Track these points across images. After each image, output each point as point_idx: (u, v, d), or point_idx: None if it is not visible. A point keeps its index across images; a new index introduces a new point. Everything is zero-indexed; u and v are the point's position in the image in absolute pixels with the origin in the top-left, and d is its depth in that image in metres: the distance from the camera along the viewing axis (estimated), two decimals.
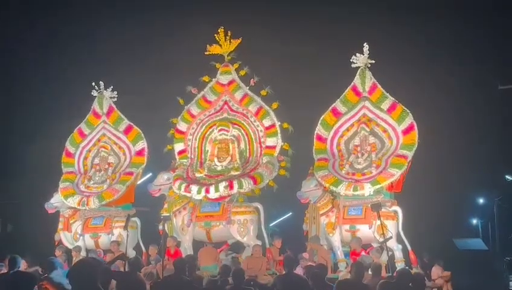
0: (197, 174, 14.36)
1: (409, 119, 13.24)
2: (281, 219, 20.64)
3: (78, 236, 14.92)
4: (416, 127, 13.18)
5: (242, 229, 13.63)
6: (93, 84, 15.68)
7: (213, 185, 13.77)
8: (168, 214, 13.57)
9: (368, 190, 12.87)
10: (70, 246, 14.90)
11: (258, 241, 13.52)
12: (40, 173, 17.06)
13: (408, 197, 13.55)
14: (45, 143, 16.84)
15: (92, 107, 15.81)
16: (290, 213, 19.94)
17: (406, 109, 13.34)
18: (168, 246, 13.36)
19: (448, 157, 16.09)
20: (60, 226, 15.23)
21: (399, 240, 12.83)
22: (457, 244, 16.03)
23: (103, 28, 17.51)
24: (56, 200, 15.16)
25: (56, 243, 14.93)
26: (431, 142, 13.98)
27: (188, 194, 13.89)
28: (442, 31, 16.32)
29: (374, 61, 13.62)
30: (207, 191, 13.71)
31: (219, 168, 14.42)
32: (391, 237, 11.74)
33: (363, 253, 12.50)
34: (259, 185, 13.82)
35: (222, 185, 13.67)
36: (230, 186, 13.63)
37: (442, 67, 16.34)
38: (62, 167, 15.71)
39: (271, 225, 17.07)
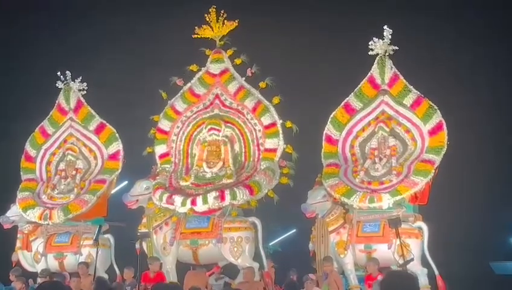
0: (182, 183, 14.25)
1: (437, 117, 13.16)
2: (283, 236, 20.59)
3: (39, 256, 14.84)
4: (445, 127, 13.08)
5: (235, 249, 13.47)
6: (59, 74, 15.60)
7: (201, 196, 13.60)
8: (146, 230, 13.44)
9: (386, 201, 12.76)
10: (29, 268, 14.92)
11: (254, 263, 13.40)
12: None
13: (435, 211, 13.47)
14: (0, 145, 16.70)
15: (57, 101, 15.77)
16: (294, 230, 19.87)
17: (433, 104, 13.25)
18: (155, 271, 13.25)
19: (484, 164, 15.96)
20: (18, 244, 15.19)
21: (424, 263, 12.73)
22: (494, 269, 15.97)
23: (69, 7, 17.45)
24: (13, 213, 15.09)
25: (13, 265, 14.86)
26: (464, 145, 13.88)
27: (171, 207, 13.73)
28: (479, 14, 16.14)
29: (396, 48, 13.51)
30: (193, 202, 13.54)
31: (208, 175, 14.31)
32: (413, 259, 11.65)
33: (380, 277, 12.31)
34: (256, 196, 13.68)
35: (211, 196, 13.49)
36: (222, 197, 13.47)
37: (480, 56, 16.17)
38: (21, 173, 15.66)
39: (271, 243, 17.01)
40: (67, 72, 15.57)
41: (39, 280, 13.85)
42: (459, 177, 15.02)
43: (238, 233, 13.54)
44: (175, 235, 13.79)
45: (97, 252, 11.98)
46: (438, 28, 16.17)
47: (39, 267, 14.59)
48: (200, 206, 13.51)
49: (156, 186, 14.10)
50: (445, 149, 12.97)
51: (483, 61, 16.09)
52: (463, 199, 15.62)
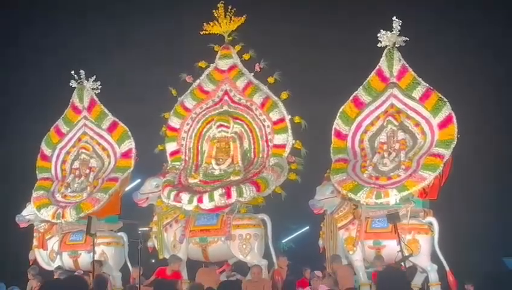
0: (191, 180, 14.47)
1: (447, 110, 13.10)
2: (296, 233, 20.61)
3: (54, 255, 15.22)
4: (455, 119, 13.03)
5: (244, 246, 13.66)
6: (72, 73, 15.93)
7: (207, 193, 13.79)
8: (146, 228, 13.68)
9: (393, 197, 12.71)
10: (46, 267, 15.35)
11: (263, 260, 13.61)
12: (11, 180, 17.51)
13: (447, 205, 13.51)
14: (16, 144, 17.19)
15: (71, 100, 16.10)
16: (307, 227, 19.82)
17: (442, 97, 13.20)
18: (174, 269, 13.46)
19: (496, 157, 15.84)
20: (35, 242, 15.58)
21: (434, 259, 12.74)
22: (507, 264, 15.87)
23: (82, 7, 17.77)
24: (29, 212, 15.51)
25: (31, 263, 15.33)
26: (476, 138, 13.82)
27: (178, 204, 13.99)
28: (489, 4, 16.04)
29: (407, 39, 13.51)
30: (200, 200, 13.73)
31: (217, 172, 14.52)
32: (411, 255, 11.71)
33: None
34: (263, 193, 13.84)
35: (217, 193, 13.68)
36: (228, 195, 13.62)
37: (491, 47, 16.06)
38: (37, 172, 16.06)
39: (284, 240, 17.11)
40: (81, 71, 15.85)
41: (56, 275, 14.07)
42: (471, 171, 14.93)
43: (247, 230, 13.71)
44: (184, 232, 14.03)
45: (93, 246, 12.21)
46: (446, 19, 16.10)
47: (54, 266, 14.98)
48: (207, 204, 13.69)
49: (165, 184, 14.36)
50: (455, 142, 12.88)
51: (493, 51, 15.99)
52: (475, 193, 15.52)
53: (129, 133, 15.66)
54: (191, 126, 15.25)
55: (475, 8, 15.68)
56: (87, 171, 15.75)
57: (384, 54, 13.67)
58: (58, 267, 14.77)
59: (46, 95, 17.45)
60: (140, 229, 13.04)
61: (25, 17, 18.17)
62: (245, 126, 14.83)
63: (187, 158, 15.13)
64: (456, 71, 15.45)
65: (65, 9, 18.09)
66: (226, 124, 14.75)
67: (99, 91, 16.03)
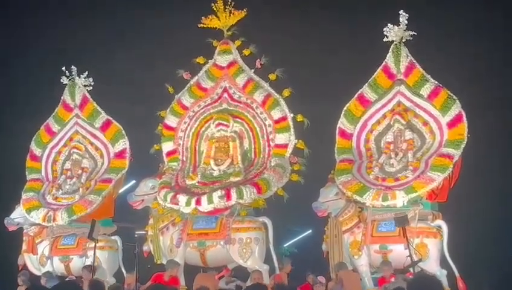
0: (188, 181, 14.25)
1: (456, 108, 12.96)
2: (298, 237, 20.53)
3: (45, 259, 15.01)
4: (465, 118, 12.88)
5: (244, 250, 13.46)
6: (64, 69, 15.74)
7: (206, 195, 13.57)
8: (142, 232, 13.49)
9: (401, 199, 12.58)
10: (36, 272, 15.08)
11: (264, 265, 13.43)
12: None
13: (456, 208, 13.31)
14: (5, 143, 16.97)
15: (62, 98, 15.91)
16: (310, 231, 19.72)
17: (452, 94, 13.04)
18: (172, 275, 13.30)
19: (508, 155, 15.69)
20: (24, 247, 15.36)
21: (444, 264, 12.60)
22: None
23: (76, 3, 17.65)
24: (18, 215, 15.29)
25: (20, 268, 15.09)
26: (487, 137, 13.67)
27: (175, 206, 13.76)
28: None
29: (414, 33, 13.34)
30: (198, 202, 13.50)
31: (216, 173, 14.32)
32: (421, 260, 11.60)
33: (393, 279, 12.22)
34: (264, 195, 13.63)
35: (216, 195, 13.46)
36: (227, 196, 13.41)
37: (504, 40, 15.91)
38: (26, 173, 15.87)
39: (286, 245, 16.95)
40: (73, 67, 15.66)
41: (43, 282, 13.87)
42: (481, 171, 14.79)
43: (247, 234, 13.52)
44: (182, 236, 13.80)
45: (94, 251, 12.00)
46: (457, 13, 15.93)
47: (43, 271, 14.71)
48: (205, 206, 13.46)
49: (161, 185, 14.16)
50: (465, 142, 12.74)
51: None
52: (486, 195, 15.39)
53: (123, 132, 15.48)
54: (188, 125, 15.04)
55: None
56: (80, 172, 15.61)
57: (390, 50, 13.54)
58: (47, 273, 14.50)
59: (36, 93, 17.20)
60: (137, 232, 12.81)
61: (19, 15, 18.00)
62: (245, 125, 14.64)
63: (184, 158, 14.92)
64: (465, 68, 15.23)
65: (59, 6, 17.89)
66: (225, 122, 14.56)
67: (91, 88, 15.82)
